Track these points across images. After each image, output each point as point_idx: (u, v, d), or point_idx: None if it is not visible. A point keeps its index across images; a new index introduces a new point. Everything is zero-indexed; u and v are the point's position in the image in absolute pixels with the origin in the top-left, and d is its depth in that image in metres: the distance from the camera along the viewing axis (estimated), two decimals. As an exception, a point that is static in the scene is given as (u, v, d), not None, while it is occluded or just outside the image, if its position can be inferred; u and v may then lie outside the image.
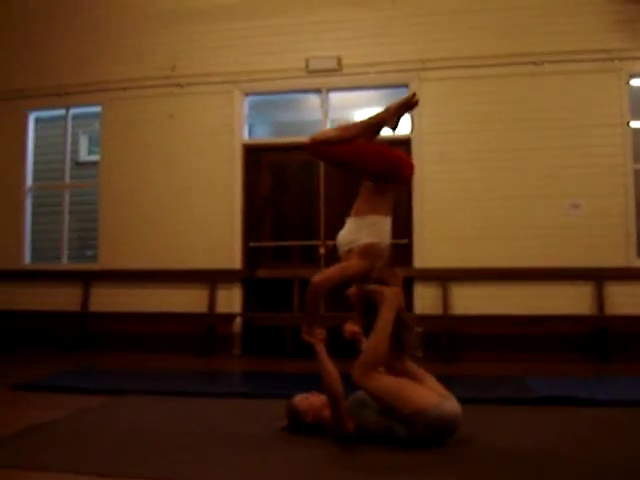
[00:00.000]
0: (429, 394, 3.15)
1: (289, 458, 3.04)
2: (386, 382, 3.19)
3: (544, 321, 6.58)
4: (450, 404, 3.15)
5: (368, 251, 3.40)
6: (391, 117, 3.60)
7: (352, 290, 3.56)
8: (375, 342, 3.21)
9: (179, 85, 7.69)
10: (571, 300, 6.66)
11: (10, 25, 8.25)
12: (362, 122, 3.61)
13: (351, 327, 3.70)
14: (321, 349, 3.34)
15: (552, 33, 6.96)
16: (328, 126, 7.41)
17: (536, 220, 6.83)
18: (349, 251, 3.45)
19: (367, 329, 3.34)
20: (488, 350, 6.66)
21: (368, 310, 3.38)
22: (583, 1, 6.97)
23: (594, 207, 6.76)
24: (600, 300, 6.62)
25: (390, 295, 3.29)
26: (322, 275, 3.40)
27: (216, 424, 3.75)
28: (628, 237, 6.69)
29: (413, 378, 3.24)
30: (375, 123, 3.62)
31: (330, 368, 3.27)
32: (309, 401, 3.45)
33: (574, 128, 6.86)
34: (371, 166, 3.47)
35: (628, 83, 6.90)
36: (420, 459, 2.96)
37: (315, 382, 3.47)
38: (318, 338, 3.38)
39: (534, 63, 6.96)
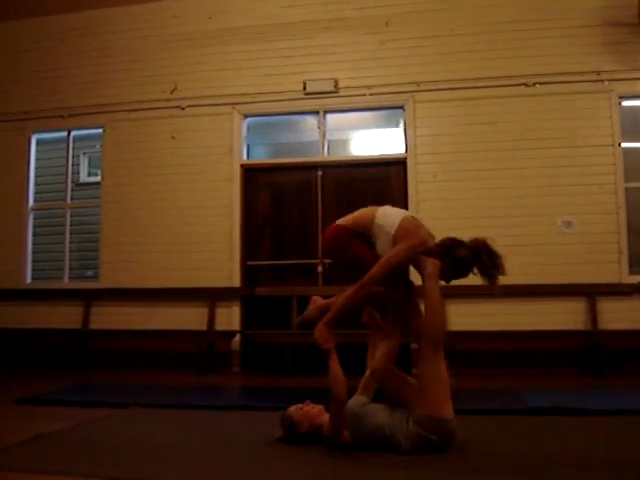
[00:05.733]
0: (450, 404, 3.25)
1: (285, 466, 3.11)
2: (440, 371, 3.25)
3: (538, 337, 6.66)
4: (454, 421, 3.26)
5: (406, 229, 3.50)
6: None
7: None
8: (431, 312, 3.33)
9: (179, 107, 7.85)
10: (565, 316, 6.74)
11: (16, 49, 8.42)
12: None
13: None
14: (333, 353, 3.35)
15: (543, 55, 7.11)
16: (325, 147, 7.59)
17: (529, 238, 6.92)
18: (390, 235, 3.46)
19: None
20: (484, 365, 6.74)
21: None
22: (574, 23, 7.11)
23: (587, 225, 6.86)
24: (593, 316, 6.70)
25: (428, 265, 3.43)
26: (370, 272, 3.37)
27: (214, 435, 3.83)
28: (620, 254, 6.80)
29: None
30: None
31: (339, 372, 3.29)
32: (303, 411, 3.49)
33: (566, 148, 6.98)
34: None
35: (619, 104, 7.03)
36: (418, 464, 3.05)
37: (313, 395, 3.55)
38: (333, 344, 3.37)
39: (525, 84, 7.12)
